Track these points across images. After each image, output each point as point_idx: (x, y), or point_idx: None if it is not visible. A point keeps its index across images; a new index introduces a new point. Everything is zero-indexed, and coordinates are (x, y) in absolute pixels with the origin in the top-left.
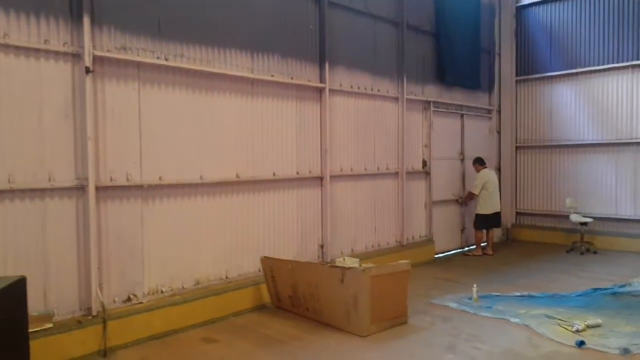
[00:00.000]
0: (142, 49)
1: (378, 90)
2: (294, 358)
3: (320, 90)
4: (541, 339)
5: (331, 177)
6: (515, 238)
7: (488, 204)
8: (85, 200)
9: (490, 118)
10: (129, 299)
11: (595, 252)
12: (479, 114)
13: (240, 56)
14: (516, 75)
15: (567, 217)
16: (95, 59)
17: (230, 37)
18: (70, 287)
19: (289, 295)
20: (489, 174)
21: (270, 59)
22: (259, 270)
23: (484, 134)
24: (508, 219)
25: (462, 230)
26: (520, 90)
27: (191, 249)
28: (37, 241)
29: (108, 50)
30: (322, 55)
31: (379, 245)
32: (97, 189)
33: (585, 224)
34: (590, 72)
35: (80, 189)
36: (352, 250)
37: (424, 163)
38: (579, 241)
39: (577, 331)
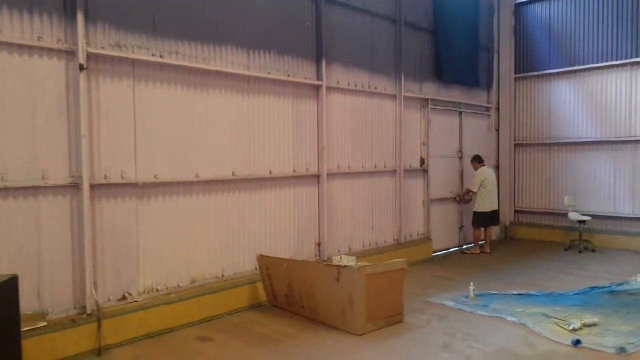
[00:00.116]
0: (137, 46)
1: (375, 88)
2: (288, 357)
3: (317, 88)
4: (537, 337)
5: (328, 175)
6: (513, 236)
7: (486, 202)
8: (79, 199)
9: (488, 115)
10: (124, 298)
11: (593, 250)
12: (478, 112)
13: (236, 53)
14: (515, 73)
15: (566, 215)
16: (90, 56)
17: (226, 34)
18: (64, 286)
19: (285, 293)
20: (487, 172)
21: (267, 56)
22: (255, 269)
23: (482, 131)
24: (506, 216)
25: (460, 228)
26: (519, 88)
27: (187, 247)
28: (30, 239)
29: (102, 48)
30: (319, 53)
31: (376, 243)
32: (92, 187)
33: (583, 222)
34: (589, 69)
35: (74, 187)
36: (349, 248)
37: (422, 161)
38: (577, 239)
39: (574, 330)
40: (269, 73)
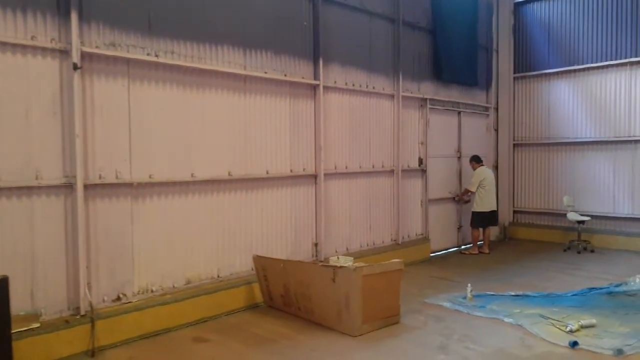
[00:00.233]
0: (132, 46)
1: (373, 88)
2: (284, 358)
3: (315, 87)
4: (534, 339)
5: (325, 175)
6: (512, 236)
7: (485, 202)
8: (73, 199)
9: (487, 115)
10: (118, 298)
11: (592, 251)
12: (476, 112)
13: (233, 53)
14: (514, 73)
15: (565, 215)
16: (84, 55)
17: (223, 33)
18: (58, 287)
19: (281, 294)
20: (485, 172)
21: (264, 56)
22: (252, 269)
23: (481, 131)
24: (505, 217)
25: (459, 228)
26: (518, 88)
27: (182, 248)
28: (24, 240)
29: (97, 47)
30: (316, 52)
31: (374, 243)
32: (86, 187)
33: (582, 222)
34: (588, 69)
35: (68, 187)
36: (347, 248)
37: (420, 161)
38: (576, 240)
39: (571, 331)
40: (265, 73)
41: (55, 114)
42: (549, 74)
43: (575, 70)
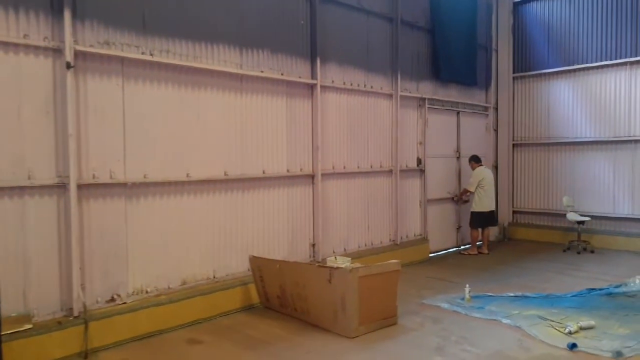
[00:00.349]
0: (126, 44)
1: (371, 87)
2: None
3: (312, 87)
4: (532, 341)
5: (323, 174)
6: (511, 237)
7: (484, 202)
8: (66, 199)
9: (486, 115)
10: (112, 299)
11: (592, 251)
12: (476, 111)
13: (229, 52)
14: (513, 72)
15: (564, 215)
16: (77, 54)
17: (219, 32)
18: (51, 288)
19: (277, 295)
20: (484, 172)
21: (260, 55)
22: (248, 270)
23: (480, 131)
24: (505, 217)
25: (458, 228)
26: (517, 87)
27: (177, 248)
28: (16, 240)
29: (90, 45)
30: (313, 51)
31: (372, 244)
32: (79, 187)
33: (582, 222)
34: (588, 68)
35: (61, 187)
36: (344, 249)
37: (419, 161)
38: (576, 240)
39: (570, 333)
40: (262, 72)
41: (48, 113)
42: (549, 73)
43: (574, 70)
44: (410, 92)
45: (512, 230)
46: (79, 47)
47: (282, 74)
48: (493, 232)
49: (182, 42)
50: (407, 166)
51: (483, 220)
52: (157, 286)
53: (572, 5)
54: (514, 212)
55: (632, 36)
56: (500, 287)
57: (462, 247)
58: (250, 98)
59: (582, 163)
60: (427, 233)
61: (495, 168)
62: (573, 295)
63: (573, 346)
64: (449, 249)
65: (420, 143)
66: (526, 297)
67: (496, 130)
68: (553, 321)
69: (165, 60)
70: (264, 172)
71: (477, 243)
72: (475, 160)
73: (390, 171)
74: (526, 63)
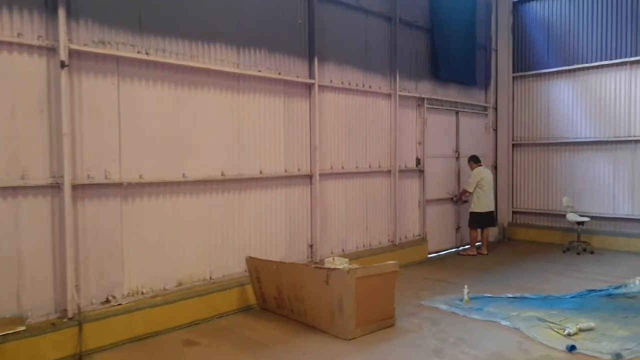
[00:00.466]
0: (121, 43)
1: (370, 87)
2: None
3: (310, 86)
4: (531, 343)
5: (321, 175)
6: (511, 237)
7: (483, 202)
8: (61, 199)
9: (486, 115)
10: (107, 301)
11: (592, 252)
12: (475, 111)
13: (226, 51)
14: (513, 72)
15: (564, 216)
16: (72, 52)
17: (216, 31)
18: (45, 289)
19: (275, 296)
20: (483, 172)
21: (257, 54)
22: (245, 271)
23: (479, 131)
24: (504, 217)
25: (457, 229)
26: (517, 87)
27: (174, 249)
28: (10, 241)
29: (85, 44)
30: (311, 51)
31: (370, 244)
32: (74, 187)
33: (582, 223)
34: (588, 68)
35: (55, 187)
36: (342, 250)
37: (418, 161)
38: (575, 241)
39: (569, 335)
40: (259, 71)
41: (42, 112)
42: (548, 73)
43: (574, 70)
44: (409, 92)
45: (511, 231)
46: (74, 46)
47: (279, 74)
48: (492, 232)
49: (179, 41)
50: (405, 166)
51: (482, 220)
52: (152, 287)
53: (571, 5)
54: (513, 212)
55: (632, 36)
56: (499, 288)
57: (461, 247)
58: (248, 98)
59: (581, 163)
60: (425, 234)
61: (495, 168)
62: (572, 296)
63: (572, 348)
64: (448, 249)
65: (419, 143)
66: (525, 298)
67: (495, 130)
68: (552, 323)
69: (161, 59)
70: (261, 172)
71: (477, 244)
72: (474, 160)
73: (389, 171)
74: (526, 63)
